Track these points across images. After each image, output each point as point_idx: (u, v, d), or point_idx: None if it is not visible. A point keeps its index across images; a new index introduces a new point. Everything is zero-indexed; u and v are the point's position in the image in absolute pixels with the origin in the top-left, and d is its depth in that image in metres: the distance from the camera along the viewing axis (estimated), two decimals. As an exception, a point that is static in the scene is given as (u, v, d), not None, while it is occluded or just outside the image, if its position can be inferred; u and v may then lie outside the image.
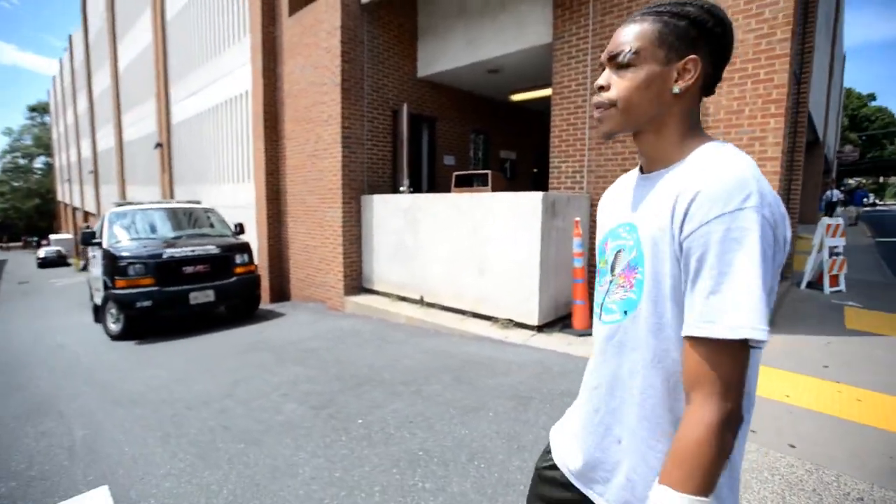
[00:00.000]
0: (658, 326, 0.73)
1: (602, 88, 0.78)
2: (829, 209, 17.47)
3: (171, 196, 12.03)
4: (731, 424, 0.64)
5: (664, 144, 0.78)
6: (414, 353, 4.20)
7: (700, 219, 0.65)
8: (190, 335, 5.48)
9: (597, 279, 0.89)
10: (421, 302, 5.72)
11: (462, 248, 5.14)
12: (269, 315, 6.52)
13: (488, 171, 5.62)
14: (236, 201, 8.93)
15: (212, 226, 6.97)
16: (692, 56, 0.73)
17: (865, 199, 24.00)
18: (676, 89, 0.74)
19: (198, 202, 7.58)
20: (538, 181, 9.72)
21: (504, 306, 4.76)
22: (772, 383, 3.07)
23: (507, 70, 6.73)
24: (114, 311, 5.54)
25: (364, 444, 2.58)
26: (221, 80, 9.17)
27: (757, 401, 2.87)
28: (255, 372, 3.90)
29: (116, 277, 5.37)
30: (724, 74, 4.21)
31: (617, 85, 0.76)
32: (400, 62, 6.81)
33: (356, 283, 6.47)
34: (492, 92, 8.11)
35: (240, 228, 7.14)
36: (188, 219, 6.85)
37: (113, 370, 4.20)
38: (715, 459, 0.63)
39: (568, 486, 0.91)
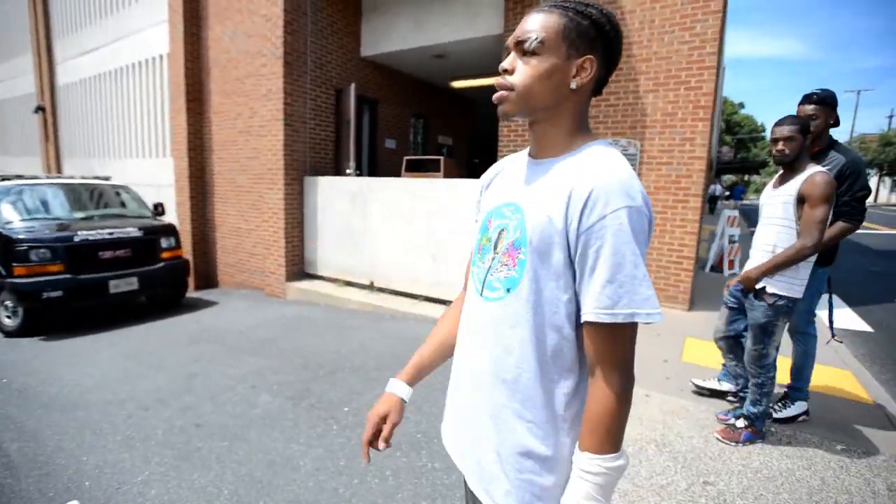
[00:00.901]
0: (537, 304, 0.77)
1: (506, 71, 0.79)
2: (712, 203, 19.97)
3: (59, 170, 10.40)
4: (630, 392, 0.75)
5: (556, 135, 0.81)
6: (378, 339, 4.19)
7: (598, 213, 0.70)
8: (109, 328, 4.89)
9: (475, 256, 0.90)
10: (371, 287, 5.67)
11: (415, 233, 5.16)
12: (199, 304, 6.02)
13: (440, 157, 5.68)
14: (148, 178, 8.00)
15: (123, 205, 6.20)
16: (589, 56, 0.77)
17: (742, 194, 27.82)
18: (574, 85, 0.77)
19: (106, 178, 6.68)
20: (476, 169, 9.95)
21: (460, 289, 4.89)
22: (695, 350, 3.56)
23: (453, 56, 6.77)
24: (9, 303, 4.76)
25: (359, 431, 2.57)
26: (128, 40, 8.07)
27: (682, 363, 3.34)
28: (209, 365, 3.64)
29: (14, 264, 4.60)
30: (662, 80, 4.69)
31: (520, 71, 0.77)
32: (344, 39, 6.54)
33: (298, 268, 6.20)
34: (434, 77, 8.10)
35: (160, 209, 6.44)
36: (94, 197, 6.02)
37: (27, 372, 3.64)
38: (622, 423, 0.75)
39: None
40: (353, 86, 6.06)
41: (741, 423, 2.43)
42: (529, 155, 0.87)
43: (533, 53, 0.76)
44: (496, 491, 0.82)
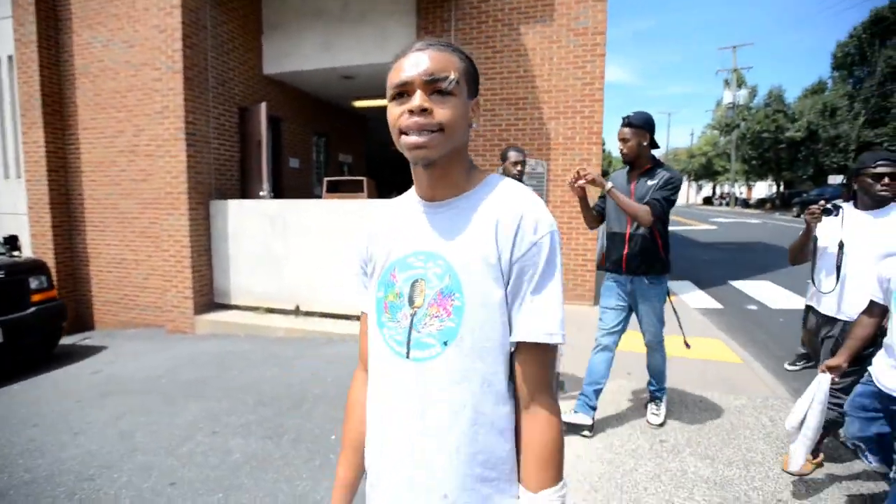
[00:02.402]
0: (484, 350, 0.72)
1: (424, 111, 0.71)
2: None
3: None
4: (560, 413, 0.75)
5: (457, 173, 0.78)
6: (326, 364, 4.11)
7: (529, 241, 0.72)
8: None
9: (382, 316, 0.80)
10: (297, 312, 5.45)
11: (341, 254, 5.14)
12: (79, 352, 5.11)
13: (363, 178, 5.73)
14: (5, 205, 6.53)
15: (-37, 241, 5.03)
16: (477, 98, 0.79)
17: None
18: (475, 124, 0.79)
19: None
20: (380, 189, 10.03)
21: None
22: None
23: (361, 77, 6.87)
24: None
25: (359, 455, 2.58)
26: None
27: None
28: (142, 418, 3.21)
29: None
30: (562, 108, 5.45)
31: (441, 111, 0.72)
32: (245, 56, 6.21)
33: (207, 299, 5.67)
34: (337, 96, 8.06)
35: (12, 243, 5.33)
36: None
37: None
38: (561, 448, 0.74)
39: None
40: (263, 105, 5.80)
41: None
42: (422, 198, 0.81)
43: (450, 94, 0.72)
44: None
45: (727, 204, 37.55)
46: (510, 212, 0.73)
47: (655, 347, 2.77)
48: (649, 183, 2.52)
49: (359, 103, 8.17)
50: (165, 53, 5.22)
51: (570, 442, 2.62)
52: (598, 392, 2.68)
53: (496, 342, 0.73)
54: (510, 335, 0.74)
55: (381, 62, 6.09)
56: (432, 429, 0.74)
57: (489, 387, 0.73)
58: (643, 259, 2.59)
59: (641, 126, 2.51)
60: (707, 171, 39.86)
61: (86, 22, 5.91)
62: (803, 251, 2.34)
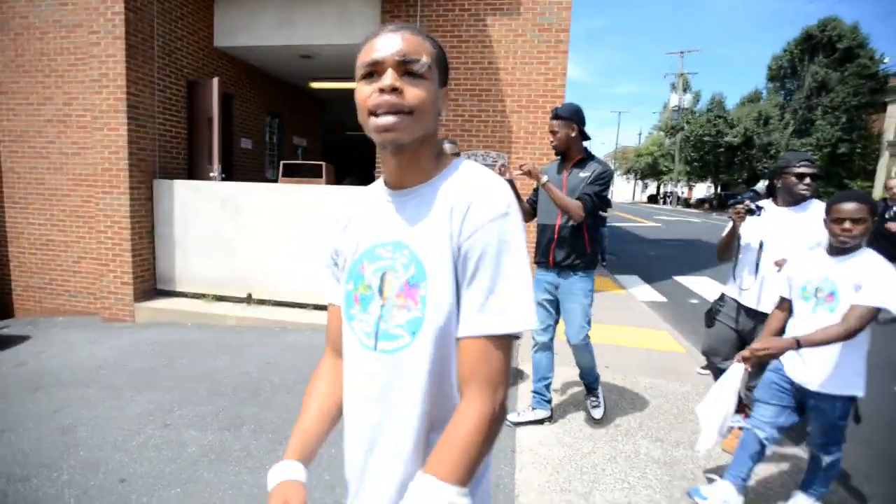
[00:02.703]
0: (443, 336, 0.71)
1: (395, 90, 0.68)
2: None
3: None
4: (501, 415, 0.68)
5: (425, 160, 0.76)
6: (283, 353, 3.99)
7: (476, 223, 0.68)
8: None
9: (352, 308, 0.79)
10: (248, 300, 5.24)
11: (298, 242, 4.98)
12: None
13: (322, 164, 5.56)
14: None
15: None
16: (446, 87, 0.78)
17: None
18: (444, 113, 0.76)
19: None
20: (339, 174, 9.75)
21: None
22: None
23: (321, 58, 6.62)
24: None
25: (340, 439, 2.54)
26: None
27: (619, 349, 4.12)
28: (83, 412, 2.98)
29: None
30: (524, 102, 5.52)
31: (414, 93, 0.69)
32: (195, 25, 5.80)
33: (149, 285, 5.32)
34: (292, 75, 7.72)
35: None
36: None
37: None
38: (481, 450, 0.65)
39: None
40: (216, 80, 5.45)
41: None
42: (389, 186, 0.80)
43: (421, 77, 0.70)
44: None
45: (670, 203, 39.79)
46: (463, 195, 0.70)
47: (581, 347, 2.64)
48: (581, 175, 2.53)
49: (316, 84, 7.86)
50: (104, 15, 4.77)
51: (534, 430, 2.72)
52: (548, 386, 2.78)
53: (454, 329, 0.71)
54: (460, 320, 0.70)
55: (344, 43, 5.90)
56: (400, 417, 0.73)
57: (439, 372, 0.72)
58: (570, 253, 2.57)
59: (569, 117, 2.52)
60: (653, 171, 41.98)
61: (6, -28, 5.29)
62: (728, 248, 2.50)
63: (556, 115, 2.54)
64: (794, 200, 2.29)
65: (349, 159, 10.15)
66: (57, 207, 5.44)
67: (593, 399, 2.88)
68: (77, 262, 5.46)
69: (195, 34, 5.82)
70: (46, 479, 2.29)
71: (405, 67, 0.69)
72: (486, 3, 5.46)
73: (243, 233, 5.15)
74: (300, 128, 9.00)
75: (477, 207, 0.68)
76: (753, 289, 2.36)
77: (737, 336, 2.47)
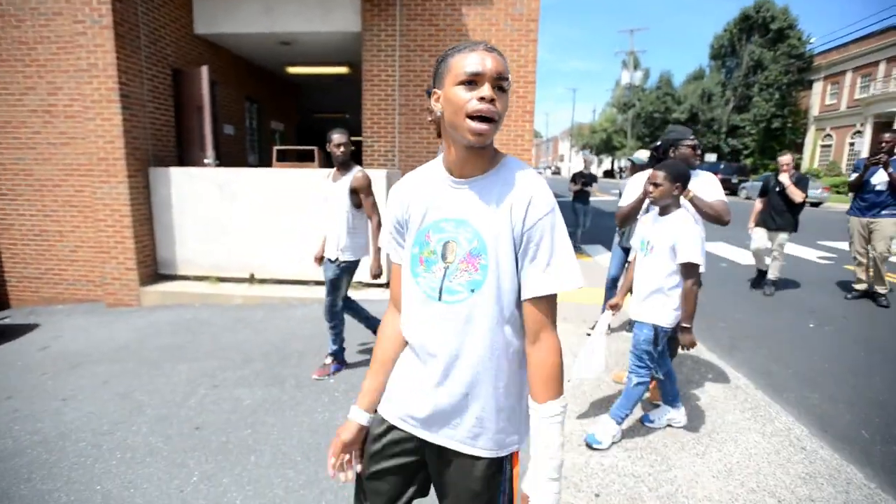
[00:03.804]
0: (498, 296, 0.94)
1: (493, 101, 0.85)
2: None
3: None
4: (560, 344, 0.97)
5: (487, 156, 0.95)
6: (299, 325, 4.39)
7: (535, 216, 0.91)
8: None
9: (417, 267, 1.00)
10: (252, 280, 5.55)
11: (295, 222, 5.28)
12: (3, 331, 4.74)
13: (314, 148, 5.84)
14: None
15: None
16: None
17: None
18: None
19: None
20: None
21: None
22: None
23: (300, 44, 6.79)
24: None
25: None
26: None
27: (579, 306, 4.72)
28: (132, 381, 3.31)
29: None
30: (501, 90, 6.00)
31: (501, 104, 0.87)
32: (176, 13, 5.85)
33: (151, 269, 5.51)
34: (270, 61, 7.80)
35: None
36: None
37: None
38: (562, 372, 0.96)
39: (404, 445, 1.05)
40: (205, 68, 5.59)
41: (329, 360, 3.32)
42: (451, 173, 0.98)
43: (504, 91, 0.88)
44: (482, 443, 0.99)
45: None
46: (522, 194, 0.92)
47: None
48: None
49: (293, 70, 7.99)
50: (90, 5, 4.81)
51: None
52: None
53: (508, 291, 0.95)
54: (521, 288, 0.95)
55: (324, 31, 6.13)
56: (456, 348, 0.97)
57: (499, 323, 0.96)
58: None
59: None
60: (607, 147, 43.52)
61: (-27, -43, 5.16)
62: (633, 215, 2.78)
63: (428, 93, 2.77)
64: (689, 168, 2.50)
65: (321, 141, 10.31)
66: (48, 198, 5.47)
67: None
68: (74, 251, 5.55)
69: (177, 21, 5.88)
70: (128, 432, 2.66)
71: (498, 83, 0.87)
72: (463, -6, 5.83)
73: (241, 216, 5.41)
74: (277, 113, 9.09)
75: (535, 205, 0.92)
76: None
77: None
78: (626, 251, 3.90)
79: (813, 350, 3.85)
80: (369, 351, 3.76)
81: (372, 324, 3.49)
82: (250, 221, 5.42)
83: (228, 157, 7.22)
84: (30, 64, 5.27)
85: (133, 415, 2.86)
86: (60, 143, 5.37)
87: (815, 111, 27.96)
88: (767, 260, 5.46)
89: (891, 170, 4.50)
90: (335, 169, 3.16)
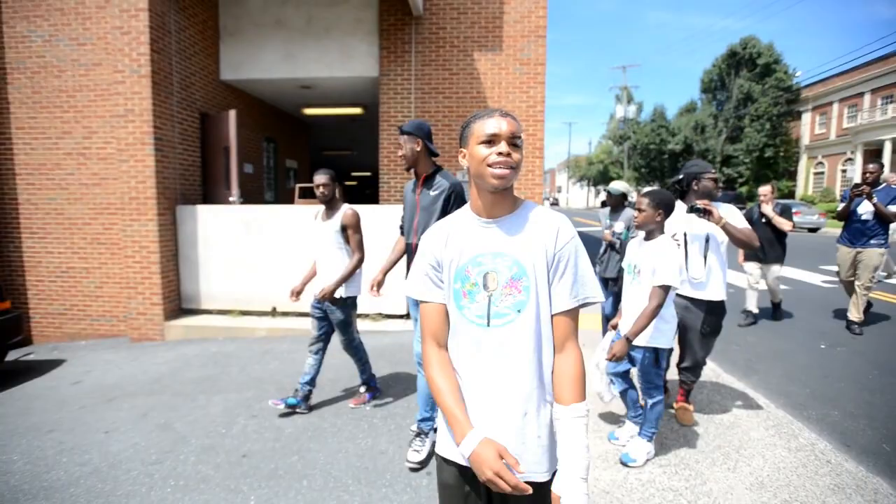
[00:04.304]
0: (538, 313, 1.08)
1: (509, 155, 1.06)
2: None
3: None
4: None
5: (510, 198, 1.13)
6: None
7: (563, 241, 1.09)
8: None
9: (462, 301, 1.13)
10: (274, 313, 5.69)
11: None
12: (31, 367, 4.80)
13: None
14: None
15: None
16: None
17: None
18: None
19: None
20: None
21: (372, 303, 5.50)
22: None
23: (319, 87, 7.17)
24: None
25: (408, 420, 3.12)
26: None
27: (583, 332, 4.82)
28: (170, 413, 3.40)
29: None
30: (511, 127, 6.33)
31: (515, 156, 1.07)
32: (205, 62, 6.24)
33: (175, 305, 5.65)
34: (289, 103, 8.20)
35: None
36: None
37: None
38: (585, 376, 1.09)
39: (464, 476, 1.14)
40: (233, 112, 5.91)
41: (362, 388, 3.46)
42: (479, 215, 1.15)
43: (517, 147, 1.09)
44: (540, 459, 1.10)
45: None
46: (550, 224, 1.12)
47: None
48: (431, 193, 2.61)
49: (310, 111, 8.38)
50: (129, 56, 5.17)
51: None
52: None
53: (547, 307, 1.10)
54: (553, 303, 1.10)
55: (344, 76, 6.51)
56: (513, 369, 1.09)
57: (544, 338, 1.10)
58: None
59: (412, 132, 2.59)
60: (604, 178, 44.37)
61: (20, 13, 5.55)
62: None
63: (401, 131, 2.62)
64: (710, 199, 2.74)
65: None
66: (77, 236, 5.68)
67: (417, 442, 2.68)
68: (99, 287, 5.71)
69: (205, 69, 6.26)
70: (176, 461, 2.75)
71: (512, 140, 1.08)
72: (473, 41, 6.24)
73: (263, 251, 5.60)
74: (291, 151, 9.45)
75: (562, 233, 1.11)
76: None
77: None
78: (605, 281, 4.06)
79: (827, 370, 3.97)
80: (395, 377, 3.88)
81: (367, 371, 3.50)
82: (272, 256, 5.61)
83: (247, 194, 7.47)
84: (68, 110, 5.58)
85: (178, 445, 2.95)
86: (92, 184, 5.62)
87: (805, 140, 28.83)
88: (753, 292, 5.36)
89: (875, 200, 4.56)
90: (323, 209, 3.21)
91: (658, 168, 33.30)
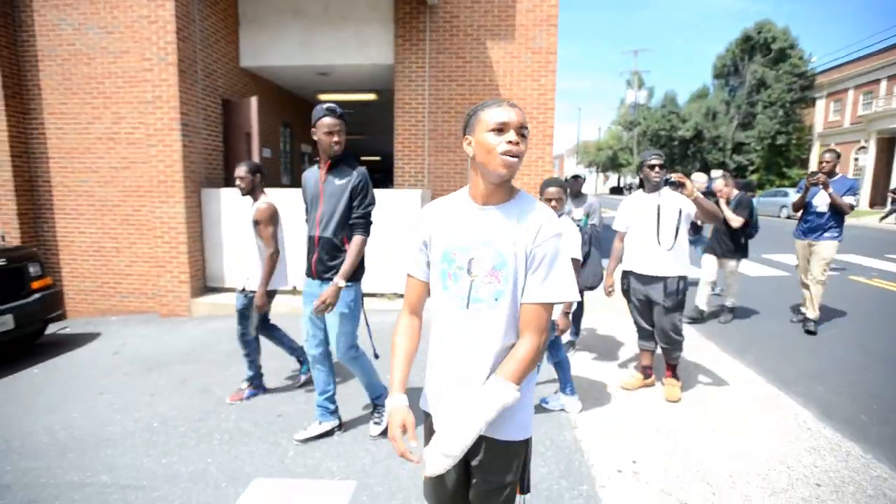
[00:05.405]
0: (513, 303, 1.14)
1: (517, 144, 1.08)
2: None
3: None
4: (542, 350, 1.13)
5: (507, 187, 1.16)
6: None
7: (542, 239, 1.11)
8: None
9: (445, 281, 1.18)
10: (294, 291, 5.97)
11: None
12: (69, 340, 5.14)
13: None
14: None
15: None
16: None
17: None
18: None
19: None
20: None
21: (390, 283, 5.78)
22: (578, 302, 5.44)
23: (336, 74, 7.36)
24: None
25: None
26: None
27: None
28: (209, 378, 3.72)
29: None
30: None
31: (522, 145, 1.09)
32: (226, 49, 6.44)
33: (201, 283, 5.97)
34: (304, 89, 8.39)
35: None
36: None
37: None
38: (529, 367, 1.12)
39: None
40: (254, 99, 6.13)
41: (244, 384, 3.37)
42: (475, 201, 1.17)
43: (524, 137, 1.11)
44: (503, 426, 1.16)
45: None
46: (534, 220, 1.13)
47: (349, 362, 2.67)
48: (337, 183, 2.45)
49: (325, 97, 8.57)
50: (157, 45, 5.40)
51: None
52: (330, 398, 2.76)
53: (518, 297, 1.15)
54: (523, 293, 1.14)
55: (360, 63, 6.69)
56: (483, 349, 1.16)
57: (511, 320, 1.16)
58: (330, 264, 2.52)
59: (345, 118, 2.46)
60: (613, 164, 44.20)
61: (50, 2, 5.76)
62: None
63: (337, 115, 2.46)
64: (653, 187, 2.95)
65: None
66: (107, 217, 5.98)
67: (375, 416, 2.80)
68: (129, 265, 6.03)
69: (226, 56, 6.47)
70: (219, 419, 3.06)
71: (520, 131, 1.10)
72: (486, 29, 6.38)
73: (286, 231, 5.86)
74: (306, 135, 9.65)
75: (543, 230, 1.12)
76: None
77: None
78: None
79: (818, 352, 4.20)
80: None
81: (297, 353, 3.60)
82: (291, 237, 5.87)
83: (267, 178, 7.74)
84: (97, 97, 5.83)
85: (218, 406, 3.27)
86: (122, 167, 5.89)
87: (818, 128, 28.46)
88: (708, 290, 5.05)
89: (831, 190, 4.32)
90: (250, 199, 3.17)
91: (668, 154, 33.10)
